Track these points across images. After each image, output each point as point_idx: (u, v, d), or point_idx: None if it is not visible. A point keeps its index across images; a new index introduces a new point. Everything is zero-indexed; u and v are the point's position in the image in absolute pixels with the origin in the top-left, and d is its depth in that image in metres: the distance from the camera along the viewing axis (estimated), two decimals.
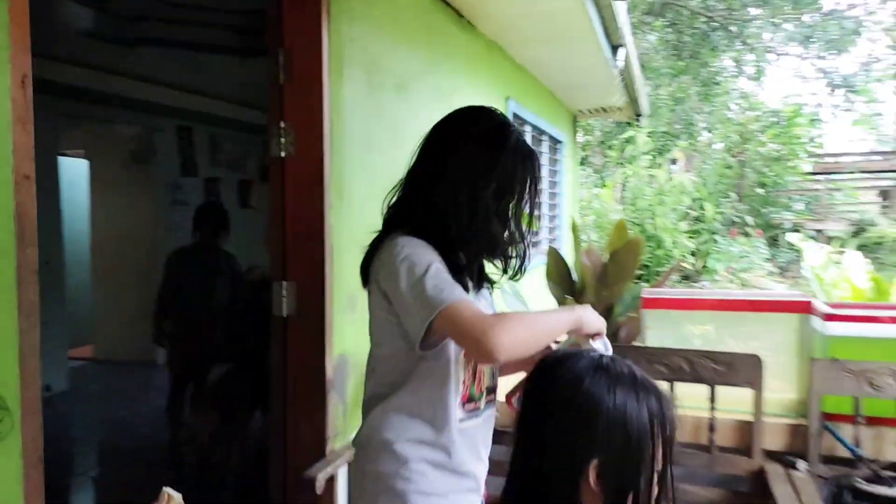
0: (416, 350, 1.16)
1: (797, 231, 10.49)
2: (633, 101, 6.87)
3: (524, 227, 1.28)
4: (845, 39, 11.69)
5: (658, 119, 12.18)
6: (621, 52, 4.51)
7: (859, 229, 10.09)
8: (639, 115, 8.05)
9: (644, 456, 0.90)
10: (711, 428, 2.05)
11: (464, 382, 1.25)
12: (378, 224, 2.61)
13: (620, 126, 11.36)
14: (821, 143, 10.99)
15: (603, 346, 1.18)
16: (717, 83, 11.89)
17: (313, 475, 1.94)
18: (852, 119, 11.82)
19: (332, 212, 2.17)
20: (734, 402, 2.07)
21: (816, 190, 11.47)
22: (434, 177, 1.25)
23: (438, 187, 1.24)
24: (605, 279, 4.01)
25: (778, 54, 12.42)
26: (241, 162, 7.38)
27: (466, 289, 1.23)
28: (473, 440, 1.27)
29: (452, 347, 1.22)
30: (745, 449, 2.05)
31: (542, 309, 1.26)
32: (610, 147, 12.14)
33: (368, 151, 2.44)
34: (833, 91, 12.07)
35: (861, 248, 9.66)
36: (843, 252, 5.56)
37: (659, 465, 0.91)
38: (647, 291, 2.47)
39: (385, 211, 1.35)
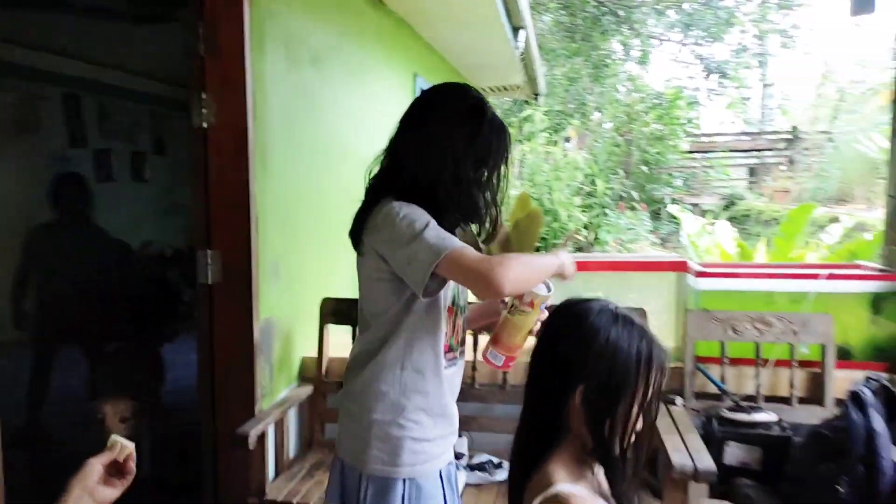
0: (420, 298, 1.27)
1: (676, 205, 11.40)
2: (531, 80, 7.19)
3: (498, 195, 1.38)
4: (719, 28, 12.66)
5: (554, 98, 12.70)
6: (522, 33, 4.74)
7: (730, 203, 11.10)
8: (537, 94, 8.41)
9: (624, 390, 1.00)
10: None
11: (446, 334, 1.39)
12: (301, 193, 2.71)
13: (518, 104, 11.77)
14: (698, 125, 11.90)
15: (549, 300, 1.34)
16: (607, 65, 12.53)
17: (246, 432, 2.03)
18: (725, 103, 12.85)
19: (257, 183, 2.24)
20: None
21: (693, 167, 12.44)
22: (420, 148, 1.34)
23: (425, 157, 1.32)
24: (508, 248, 4.27)
25: (661, 40, 13.25)
26: (133, 133, 7.05)
27: None
28: (452, 385, 1.43)
29: (441, 301, 1.34)
30: None
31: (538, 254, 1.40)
32: (509, 124, 12.53)
33: (288, 124, 2.51)
34: (708, 76, 13.07)
35: (731, 219, 10.65)
36: (714, 223, 6.19)
37: (639, 404, 1.01)
38: None
39: (368, 181, 1.43)
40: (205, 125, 2.21)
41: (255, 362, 2.25)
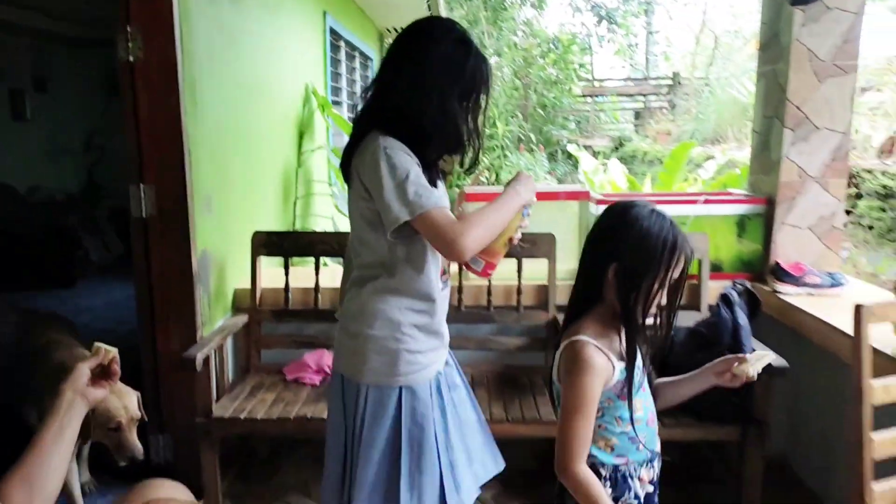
0: (386, 236, 1.38)
1: (573, 145, 11.97)
2: None
3: (480, 126, 1.46)
4: None
5: None
6: None
7: (619, 144, 11.80)
8: None
9: (649, 270, 1.21)
10: (519, 292, 2.62)
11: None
12: (229, 128, 2.76)
13: None
14: (590, 70, 12.40)
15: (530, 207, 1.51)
16: (505, 9, 12.70)
17: (193, 355, 2.15)
18: (614, 49, 13.46)
19: (188, 117, 2.28)
20: (536, 270, 2.64)
21: (586, 111, 13.04)
22: (407, 82, 1.39)
23: (412, 90, 1.38)
24: None
25: None
26: (10, 70, 6.49)
27: (434, 182, 1.42)
28: (445, 304, 1.56)
29: None
30: (543, 305, 2.66)
31: (493, 201, 1.46)
32: None
33: (212, 59, 2.54)
34: (599, 22, 13.61)
35: (620, 159, 11.38)
36: (606, 163, 6.67)
37: (659, 282, 1.23)
38: (468, 188, 2.95)
39: (356, 113, 1.49)
40: (131, 59, 2.22)
41: (195, 291, 2.34)
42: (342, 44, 5.29)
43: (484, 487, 1.68)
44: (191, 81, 2.31)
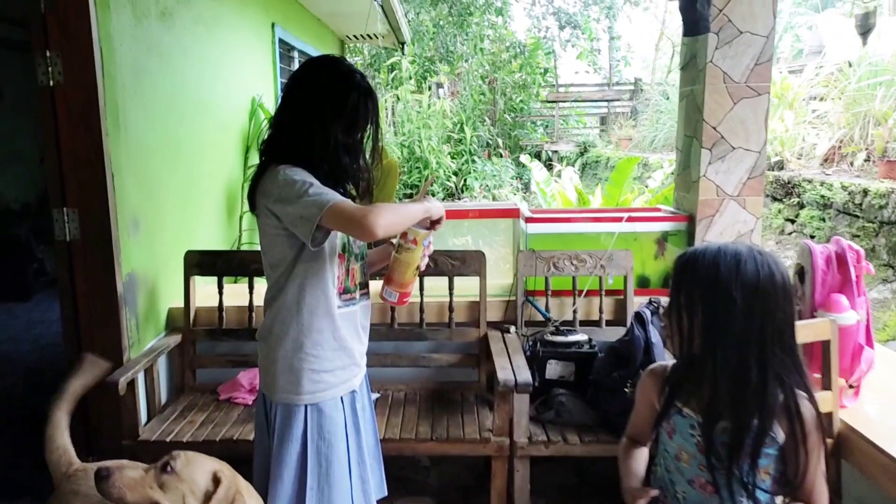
0: (310, 248, 1.43)
1: (539, 153, 12.08)
2: (394, 29, 7.29)
3: (367, 157, 1.56)
4: None
5: (422, 46, 12.80)
6: None
7: (584, 150, 11.94)
8: (402, 42, 8.52)
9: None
10: (451, 309, 2.67)
11: (338, 278, 1.55)
12: (158, 147, 2.77)
13: (388, 51, 11.77)
14: (557, 74, 12.51)
15: (431, 236, 1.57)
16: (471, 13, 12.77)
17: (115, 380, 2.16)
18: (577, 52, 13.59)
19: (111, 140, 2.28)
20: (467, 287, 2.69)
21: (552, 116, 13.17)
22: (294, 117, 1.51)
23: (298, 126, 1.50)
24: (365, 202, 4.49)
25: None
26: None
27: None
28: (353, 322, 1.61)
29: (327, 249, 1.50)
30: (474, 322, 2.70)
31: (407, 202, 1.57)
32: (378, 71, 12.52)
33: (139, 79, 2.54)
34: (563, 28, 13.74)
35: (584, 165, 11.52)
36: (561, 171, 6.76)
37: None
38: None
39: (259, 147, 1.58)
40: (51, 83, 2.21)
41: (120, 315, 2.34)
42: (295, 54, 5.30)
43: None
44: (113, 104, 2.31)
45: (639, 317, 2.25)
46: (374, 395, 2.65)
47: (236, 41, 3.85)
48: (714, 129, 2.53)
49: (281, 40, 4.74)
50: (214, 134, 3.48)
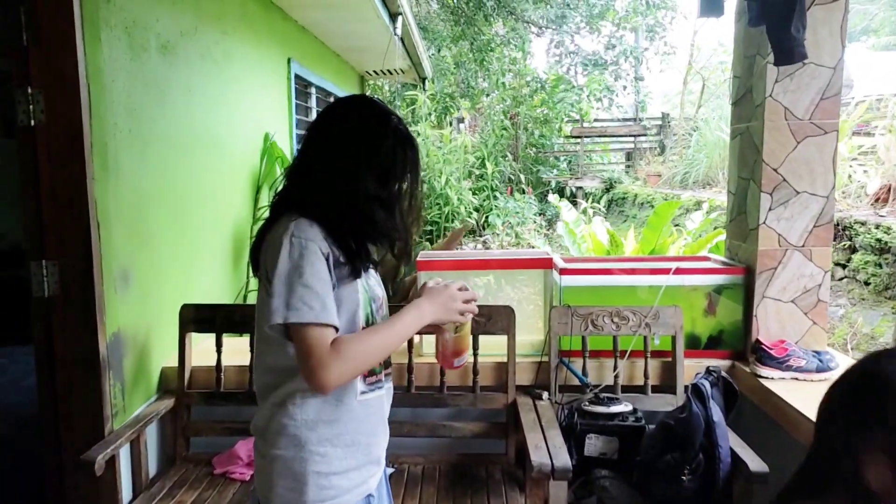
0: (264, 327, 1.19)
1: (562, 188, 11.82)
2: (415, 65, 7.14)
3: (406, 210, 1.31)
4: (593, 20, 13.14)
5: (443, 81, 12.72)
6: (399, 20, 4.67)
7: (609, 186, 11.64)
8: (423, 77, 8.39)
9: None
10: (475, 371, 2.36)
11: None
12: (153, 192, 2.52)
13: (407, 86, 11.69)
14: (579, 109, 12.32)
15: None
16: (492, 49, 12.69)
17: (92, 458, 1.88)
18: (603, 89, 13.35)
19: (97, 185, 2.05)
20: (494, 346, 2.39)
21: (576, 151, 12.93)
22: (315, 163, 1.28)
23: (319, 173, 1.26)
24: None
25: (541, 27, 13.57)
26: None
27: (358, 274, 1.26)
28: (377, 410, 1.33)
29: (346, 326, 1.25)
30: (502, 386, 2.40)
31: (390, 320, 1.31)
32: (395, 108, 12.45)
33: (135, 118, 2.32)
34: (586, 67, 13.58)
35: (610, 202, 11.22)
36: (595, 207, 6.47)
37: None
38: (423, 254, 2.71)
39: (272, 200, 1.34)
40: (32, 123, 2.00)
41: (102, 381, 2.08)
42: (313, 90, 5.13)
43: None
44: (102, 145, 2.09)
45: (697, 390, 1.92)
46: (389, 470, 2.34)
47: (248, 77, 3.66)
48: (775, 170, 2.23)
49: (297, 76, 4.56)
50: (221, 174, 3.26)
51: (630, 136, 12.94)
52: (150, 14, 2.44)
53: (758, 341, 2.25)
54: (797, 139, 2.21)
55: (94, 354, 2.07)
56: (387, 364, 1.38)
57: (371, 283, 1.35)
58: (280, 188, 1.34)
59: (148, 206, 2.42)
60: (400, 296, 4.35)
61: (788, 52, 1.86)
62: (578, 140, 12.95)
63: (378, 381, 1.34)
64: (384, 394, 1.36)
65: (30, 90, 1.98)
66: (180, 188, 2.71)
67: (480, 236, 10.13)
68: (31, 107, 1.99)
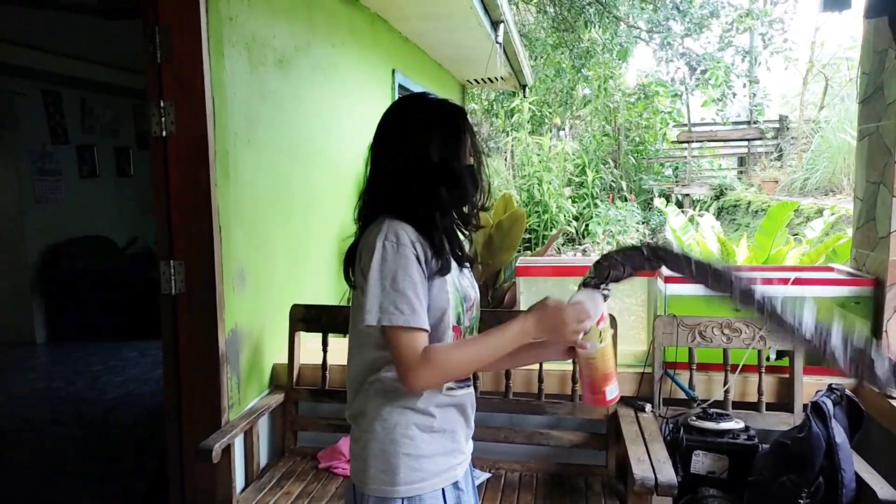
0: (359, 326, 1.24)
1: (667, 196, 11.39)
2: (516, 72, 7.13)
3: (475, 163, 1.36)
4: (703, 22, 12.53)
5: (542, 88, 12.62)
6: (501, 27, 4.69)
7: (719, 193, 11.07)
8: (524, 85, 8.36)
9: None
10: (574, 380, 2.32)
11: None
12: (268, 198, 2.67)
13: (506, 94, 11.70)
14: (684, 115, 11.82)
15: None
16: (593, 56, 12.44)
17: (210, 446, 2.01)
18: (713, 92, 12.70)
19: (219, 191, 2.20)
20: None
21: (683, 157, 12.41)
22: (389, 157, 1.33)
23: (396, 165, 1.31)
24: (490, 248, 4.25)
25: (646, 31, 13.13)
26: (115, 128, 6.98)
27: (448, 269, 1.30)
28: (462, 405, 1.38)
29: (439, 326, 1.29)
30: None
31: (490, 333, 1.29)
32: (496, 115, 12.48)
33: (253, 128, 2.47)
34: (693, 70, 12.94)
35: (720, 209, 10.67)
36: (702, 215, 6.18)
37: None
38: (522, 260, 2.70)
39: (359, 205, 1.40)
40: (164, 134, 2.17)
41: (220, 374, 2.22)
42: None
43: None
44: (223, 154, 2.24)
45: (817, 409, 1.79)
46: (485, 475, 2.34)
47: (354, 87, 3.80)
48: None
49: (401, 85, 4.69)
50: (328, 182, 3.40)
51: (743, 140, 12.25)
52: (267, 31, 2.60)
53: (889, 360, 2.06)
54: None
55: (214, 349, 2.21)
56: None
57: (464, 284, 1.38)
58: (363, 196, 1.39)
59: (262, 210, 2.56)
60: (496, 301, 4.35)
61: None
62: (686, 145, 12.42)
63: (466, 379, 1.38)
64: (470, 391, 1.40)
65: (162, 103, 2.16)
66: (292, 195, 2.86)
67: (580, 244, 9.95)
68: (163, 119, 2.17)
